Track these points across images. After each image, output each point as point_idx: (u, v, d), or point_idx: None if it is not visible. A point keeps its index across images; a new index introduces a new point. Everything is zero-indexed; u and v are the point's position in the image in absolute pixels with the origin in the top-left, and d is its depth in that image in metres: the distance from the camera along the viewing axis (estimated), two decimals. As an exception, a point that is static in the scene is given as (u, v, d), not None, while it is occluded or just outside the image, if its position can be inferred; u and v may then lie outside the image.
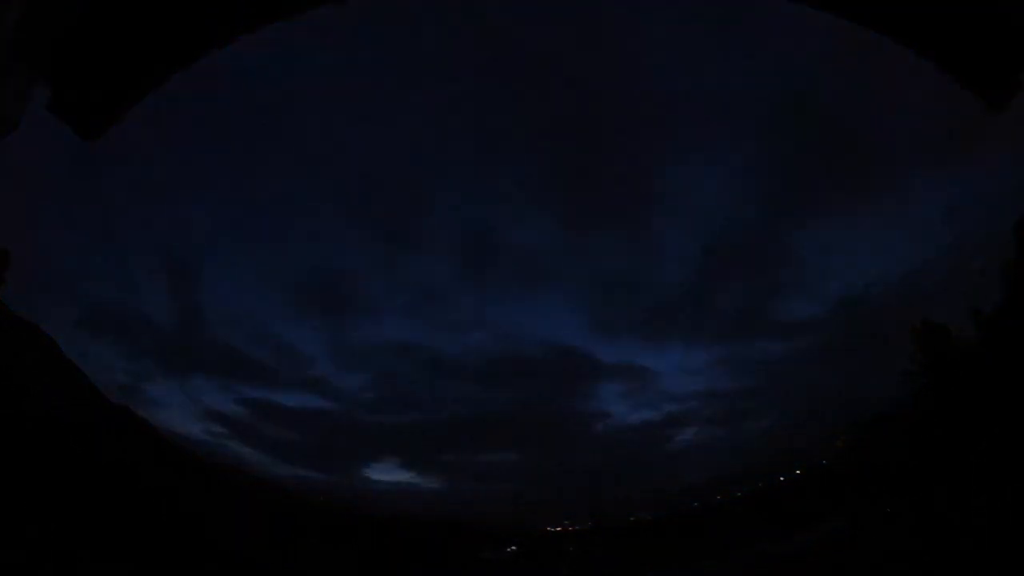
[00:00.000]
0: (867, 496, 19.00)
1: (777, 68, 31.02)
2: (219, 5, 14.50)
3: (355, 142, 32.94)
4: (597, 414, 41.50)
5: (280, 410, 38.25)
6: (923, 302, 25.39)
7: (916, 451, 18.52)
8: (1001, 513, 12.35)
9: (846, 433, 25.69)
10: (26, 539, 11.21)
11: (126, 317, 34.72)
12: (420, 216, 35.09)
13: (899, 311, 25.57)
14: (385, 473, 39.06)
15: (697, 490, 31.72)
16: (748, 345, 39.23)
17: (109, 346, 33.27)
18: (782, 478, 27.29)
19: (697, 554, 23.95)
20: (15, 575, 10.48)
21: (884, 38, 14.89)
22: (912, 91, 24.31)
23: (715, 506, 29.04)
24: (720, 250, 36.72)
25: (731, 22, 28.71)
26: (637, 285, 38.07)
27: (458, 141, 33.73)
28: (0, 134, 12.31)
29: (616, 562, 26.57)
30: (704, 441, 38.66)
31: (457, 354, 40.61)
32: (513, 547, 28.19)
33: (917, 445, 18.71)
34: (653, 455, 38.22)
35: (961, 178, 29.20)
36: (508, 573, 27.25)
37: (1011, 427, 14.75)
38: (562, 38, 29.52)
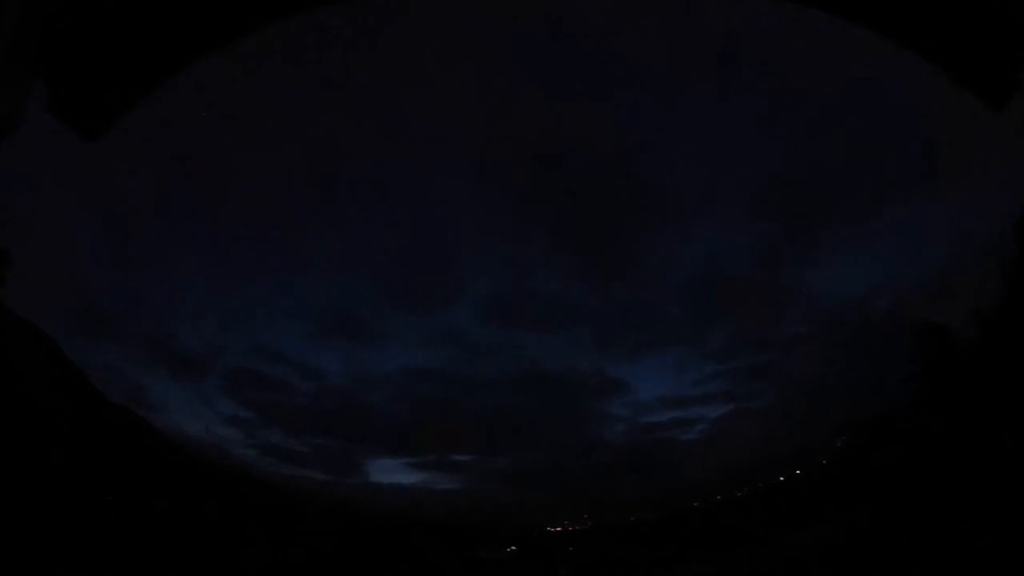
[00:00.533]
0: (866, 496, 18.99)
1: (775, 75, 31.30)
2: (223, 3, 14.49)
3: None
4: (598, 416, 41.57)
5: (284, 410, 38.29)
6: (923, 302, 25.38)
7: (916, 451, 18.51)
8: (1001, 513, 12.36)
9: (846, 433, 25.66)
10: (24, 539, 11.24)
11: (129, 318, 34.77)
12: (443, 272, 38.67)
13: (899, 312, 25.58)
14: (387, 473, 39.15)
15: (697, 490, 31.69)
16: (749, 347, 39.35)
17: (111, 347, 33.32)
18: (782, 478, 27.26)
19: (697, 554, 23.93)
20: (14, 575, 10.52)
21: (883, 38, 14.89)
22: (911, 92, 24.33)
23: (715, 506, 29.01)
24: (724, 273, 37.84)
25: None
26: (643, 309, 40.10)
27: (484, 216, 37.58)
28: (1, 135, 12.32)
29: (616, 562, 26.55)
30: (705, 441, 38.70)
31: (469, 373, 41.35)
32: (513, 547, 28.19)
33: (917, 445, 18.69)
34: (654, 455, 38.29)
35: (961, 178, 29.21)
36: (507, 573, 27.23)
37: (1012, 428, 14.73)
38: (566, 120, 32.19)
